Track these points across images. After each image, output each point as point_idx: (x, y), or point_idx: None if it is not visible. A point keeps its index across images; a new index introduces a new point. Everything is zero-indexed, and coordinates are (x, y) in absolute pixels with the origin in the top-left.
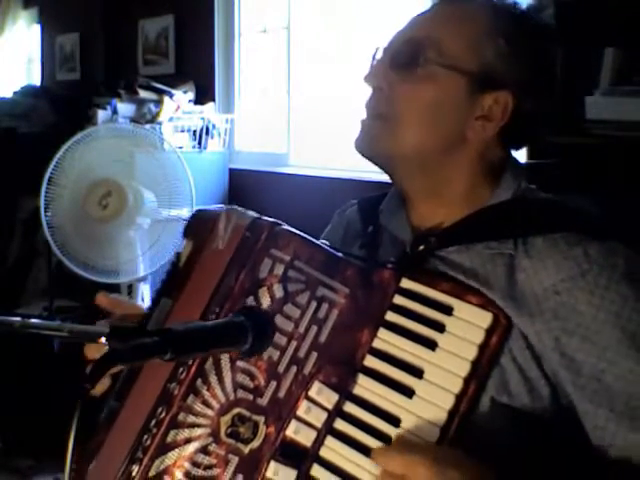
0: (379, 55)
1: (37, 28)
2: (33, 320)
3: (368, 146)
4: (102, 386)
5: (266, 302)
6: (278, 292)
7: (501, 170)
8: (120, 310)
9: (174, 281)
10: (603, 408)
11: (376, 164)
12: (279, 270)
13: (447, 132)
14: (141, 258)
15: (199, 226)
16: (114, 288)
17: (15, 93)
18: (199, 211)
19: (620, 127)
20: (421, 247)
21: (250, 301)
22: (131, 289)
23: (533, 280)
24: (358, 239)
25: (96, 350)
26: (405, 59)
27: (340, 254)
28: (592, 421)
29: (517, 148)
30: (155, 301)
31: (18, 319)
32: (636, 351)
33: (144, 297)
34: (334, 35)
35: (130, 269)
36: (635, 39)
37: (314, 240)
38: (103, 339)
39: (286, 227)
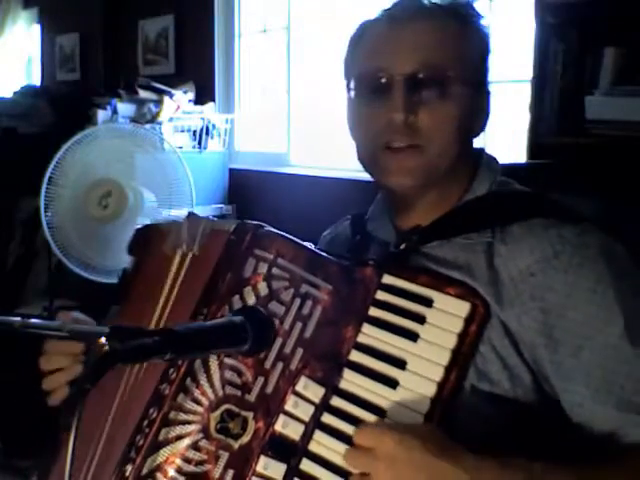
0: (384, 83)
1: (37, 28)
2: (33, 320)
3: (409, 180)
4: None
5: (251, 300)
6: (262, 290)
7: (475, 164)
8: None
9: (122, 290)
10: (579, 384)
11: (408, 190)
12: (263, 269)
13: (465, 142)
14: None
15: (142, 240)
16: (114, 288)
17: (15, 93)
18: (139, 229)
19: (620, 127)
20: (403, 245)
21: (236, 300)
22: None
23: (509, 264)
24: (345, 247)
25: (50, 362)
26: (427, 85)
27: (323, 254)
28: (570, 398)
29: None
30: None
31: (18, 319)
32: (612, 326)
33: None
34: (334, 35)
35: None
36: (635, 39)
37: (297, 240)
38: (103, 339)
39: (269, 228)
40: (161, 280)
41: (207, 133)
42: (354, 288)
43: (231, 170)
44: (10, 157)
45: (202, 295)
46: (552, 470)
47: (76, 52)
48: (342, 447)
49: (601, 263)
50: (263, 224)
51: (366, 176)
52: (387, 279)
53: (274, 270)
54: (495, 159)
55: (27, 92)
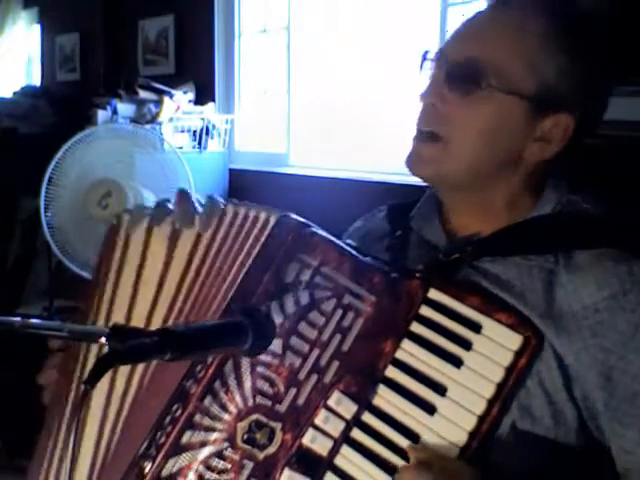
0: (428, 64)
1: (37, 28)
2: (33, 320)
3: (421, 168)
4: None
5: (291, 308)
6: (304, 298)
7: (543, 181)
8: None
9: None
10: (633, 431)
11: (425, 181)
12: (306, 276)
13: (502, 154)
14: None
15: (109, 232)
16: None
17: (15, 93)
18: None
19: (621, 127)
20: (455, 255)
21: (274, 305)
22: None
23: (572, 297)
24: (381, 242)
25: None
26: (463, 80)
27: (368, 259)
28: (619, 444)
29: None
30: None
31: (18, 319)
32: None
33: None
34: (334, 35)
35: None
36: (635, 39)
37: (341, 244)
38: (103, 339)
39: (313, 229)
40: (108, 260)
41: (207, 133)
42: (398, 300)
43: (231, 170)
44: (10, 157)
45: (236, 292)
46: None
47: (76, 52)
48: (368, 465)
49: None
50: (307, 222)
51: (366, 176)
52: (433, 294)
53: (317, 279)
54: (562, 179)
55: (27, 92)
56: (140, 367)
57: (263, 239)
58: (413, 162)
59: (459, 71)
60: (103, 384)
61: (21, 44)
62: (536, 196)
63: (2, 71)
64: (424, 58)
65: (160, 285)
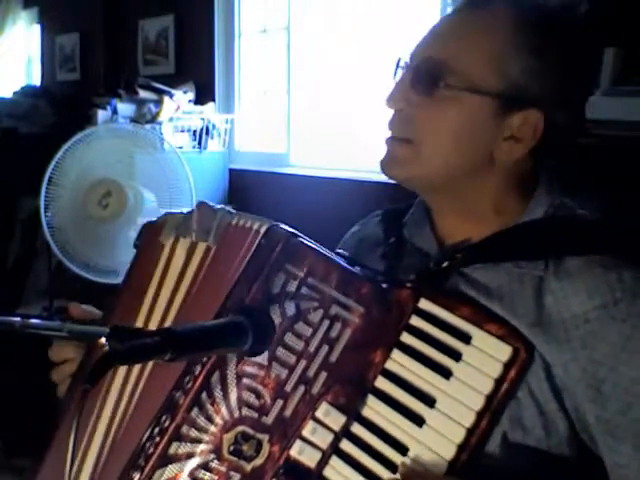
0: (399, 71)
1: (37, 28)
2: (33, 320)
3: (393, 169)
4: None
5: (277, 319)
6: (290, 310)
7: (533, 183)
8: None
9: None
10: (626, 444)
11: (400, 184)
12: (292, 287)
13: (473, 155)
14: None
15: (146, 234)
16: (114, 288)
17: (15, 93)
18: (145, 223)
19: (620, 127)
20: (445, 263)
21: None
22: None
23: (562, 304)
24: (377, 249)
25: (59, 353)
26: (425, 81)
27: (357, 269)
28: (613, 458)
29: (549, 160)
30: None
31: (18, 319)
32: None
33: None
34: (334, 35)
35: None
36: (635, 39)
37: (330, 254)
38: (103, 339)
39: (303, 239)
40: (152, 269)
41: (207, 133)
42: (388, 310)
43: (231, 170)
44: (10, 157)
45: (226, 300)
46: None
47: (76, 52)
48: (357, 477)
49: None
50: (295, 232)
51: (366, 176)
52: (424, 304)
53: (304, 290)
54: (555, 180)
55: (27, 92)
56: (135, 372)
57: (252, 249)
58: (386, 164)
59: (420, 72)
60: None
61: (21, 44)
62: (525, 199)
63: (2, 71)
64: (397, 65)
65: (173, 293)
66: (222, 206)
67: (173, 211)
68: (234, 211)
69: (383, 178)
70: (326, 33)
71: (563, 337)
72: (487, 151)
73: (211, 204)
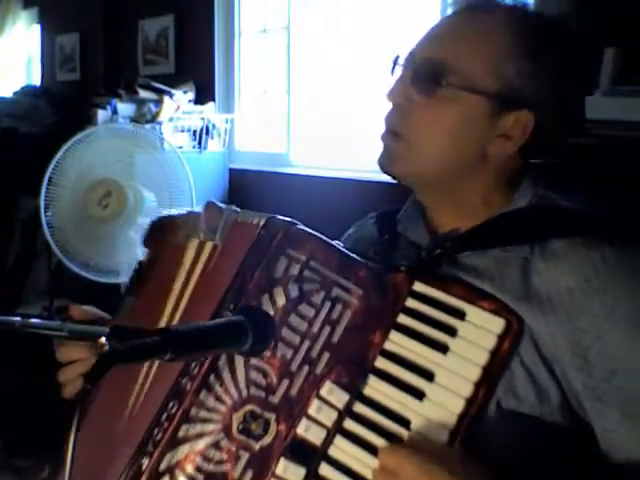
0: (398, 67)
1: (37, 28)
2: (33, 320)
3: (390, 166)
4: (74, 388)
5: (281, 301)
6: (293, 292)
7: (520, 177)
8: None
9: (136, 282)
10: (613, 409)
11: (396, 180)
12: (295, 270)
13: (467, 151)
14: None
15: (157, 233)
16: (114, 288)
17: (15, 93)
18: (155, 220)
19: (620, 127)
20: (437, 251)
21: (265, 299)
22: None
23: (547, 282)
24: (372, 248)
25: (66, 354)
26: (425, 80)
27: (354, 255)
28: (601, 423)
29: (538, 158)
30: (121, 303)
31: (18, 319)
32: None
33: None
34: (334, 35)
35: (130, 269)
36: (635, 39)
37: (329, 241)
38: (103, 339)
39: (301, 226)
40: (175, 271)
41: (207, 133)
42: (384, 293)
43: (231, 170)
44: (10, 157)
45: (228, 290)
46: None
47: (76, 52)
48: (362, 454)
49: None
50: (295, 221)
51: (366, 176)
52: (418, 286)
53: (306, 272)
54: (539, 171)
55: (27, 92)
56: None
57: (253, 240)
58: (384, 161)
59: (422, 71)
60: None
61: (21, 44)
62: (512, 193)
63: (2, 71)
64: (395, 62)
65: (182, 290)
66: (229, 206)
67: (174, 211)
68: (239, 210)
69: (383, 178)
70: (326, 33)
71: (549, 309)
72: (480, 148)
73: (219, 204)
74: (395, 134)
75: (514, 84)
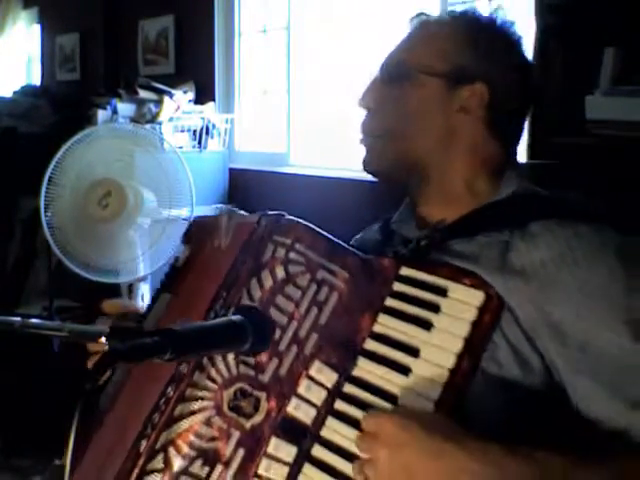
0: (370, 76)
1: (37, 28)
2: (33, 320)
3: (374, 164)
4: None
5: (268, 283)
6: (280, 273)
7: (502, 170)
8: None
9: (173, 279)
10: (587, 379)
11: (385, 180)
12: (281, 253)
13: (436, 127)
14: (141, 258)
15: (197, 232)
16: (114, 288)
17: (15, 93)
18: (196, 219)
19: (620, 127)
20: (424, 242)
21: (253, 283)
22: (131, 289)
23: (523, 257)
24: (373, 250)
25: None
26: (393, 75)
27: (343, 243)
28: (578, 393)
29: (511, 145)
30: (154, 299)
31: (18, 319)
32: (621, 323)
33: (144, 297)
34: (334, 35)
35: (130, 269)
36: (635, 39)
37: (317, 229)
38: (103, 339)
39: (289, 217)
40: (209, 273)
41: (207, 133)
42: (372, 278)
43: (231, 170)
44: (10, 157)
45: (223, 280)
46: (554, 459)
47: (76, 52)
48: (354, 433)
49: (615, 261)
50: (284, 213)
51: (366, 176)
52: (405, 271)
53: (291, 254)
54: (522, 166)
55: (27, 92)
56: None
57: (246, 236)
58: (367, 161)
59: (390, 70)
60: None
61: (21, 44)
62: (497, 182)
63: (2, 71)
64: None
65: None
66: (240, 212)
67: (180, 212)
68: (245, 213)
69: None
70: (326, 33)
71: (521, 283)
72: (445, 122)
73: (237, 211)
74: (372, 135)
75: (461, 64)
